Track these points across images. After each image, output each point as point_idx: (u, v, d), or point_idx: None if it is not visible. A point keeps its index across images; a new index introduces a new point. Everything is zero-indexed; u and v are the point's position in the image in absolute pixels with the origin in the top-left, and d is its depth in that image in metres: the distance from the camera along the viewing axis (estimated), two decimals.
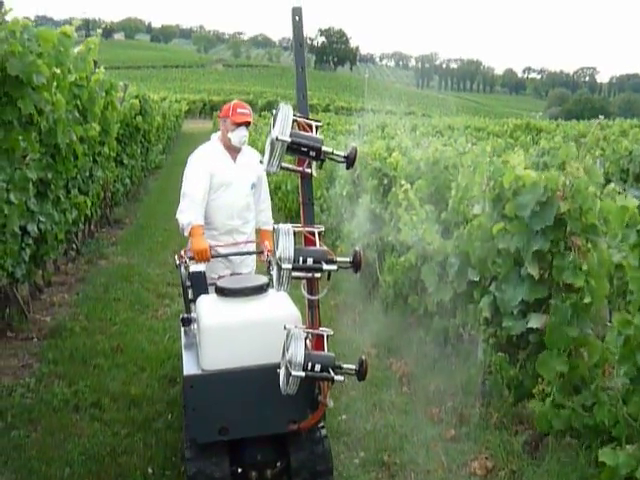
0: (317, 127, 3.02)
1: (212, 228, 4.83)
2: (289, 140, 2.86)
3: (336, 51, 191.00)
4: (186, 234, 4.60)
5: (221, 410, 3.29)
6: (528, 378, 3.83)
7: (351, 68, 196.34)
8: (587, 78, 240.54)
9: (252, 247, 4.95)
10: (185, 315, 3.99)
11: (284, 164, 2.96)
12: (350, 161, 3.01)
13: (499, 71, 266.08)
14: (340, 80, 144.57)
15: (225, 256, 4.73)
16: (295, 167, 3.06)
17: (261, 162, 3.05)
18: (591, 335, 3.45)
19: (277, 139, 2.83)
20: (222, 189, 4.79)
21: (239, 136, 4.72)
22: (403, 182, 5.23)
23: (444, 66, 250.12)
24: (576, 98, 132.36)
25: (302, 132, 2.98)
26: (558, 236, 3.45)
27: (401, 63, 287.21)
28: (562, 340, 3.39)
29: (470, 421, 4.35)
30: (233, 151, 4.83)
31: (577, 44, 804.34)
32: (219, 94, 69.38)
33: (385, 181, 6.64)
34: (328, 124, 21.63)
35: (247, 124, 4.74)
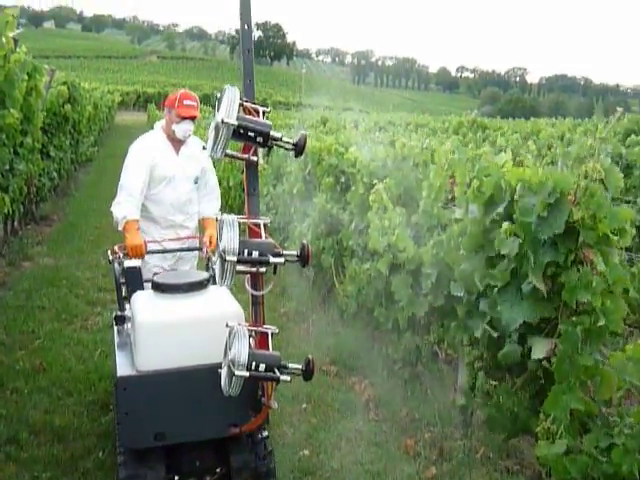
0: (264, 112, 2.88)
1: (154, 222, 4.60)
2: (236, 123, 2.68)
3: (273, 45, 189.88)
4: (120, 228, 4.30)
5: (157, 414, 3.08)
6: (523, 410, 3.32)
7: (288, 63, 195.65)
8: (518, 78, 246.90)
9: (195, 242, 4.66)
10: (118, 313, 3.76)
11: (229, 151, 2.78)
12: (299, 148, 2.87)
13: (433, 69, 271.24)
14: (277, 75, 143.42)
15: (161, 252, 4.47)
16: (240, 154, 2.90)
17: (204, 148, 2.88)
18: (604, 364, 2.94)
19: (223, 122, 2.66)
20: (164, 183, 4.53)
21: (183, 130, 4.45)
22: (375, 181, 4.62)
23: (380, 63, 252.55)
24: (508, 97, 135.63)
25: (249, 116, 2.82)
26: (569, 247, 2.93)
27: (337, 59, 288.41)
28: (574, 371, 2.87)
29: (452, 456, 3.81)
30: (176, 142, 4.54)
31: (509, 44, 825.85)
32: (154, 86, 67.96)
33: (342, 179, 6.06)
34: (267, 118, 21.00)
35: (193, 118, 4.43)
